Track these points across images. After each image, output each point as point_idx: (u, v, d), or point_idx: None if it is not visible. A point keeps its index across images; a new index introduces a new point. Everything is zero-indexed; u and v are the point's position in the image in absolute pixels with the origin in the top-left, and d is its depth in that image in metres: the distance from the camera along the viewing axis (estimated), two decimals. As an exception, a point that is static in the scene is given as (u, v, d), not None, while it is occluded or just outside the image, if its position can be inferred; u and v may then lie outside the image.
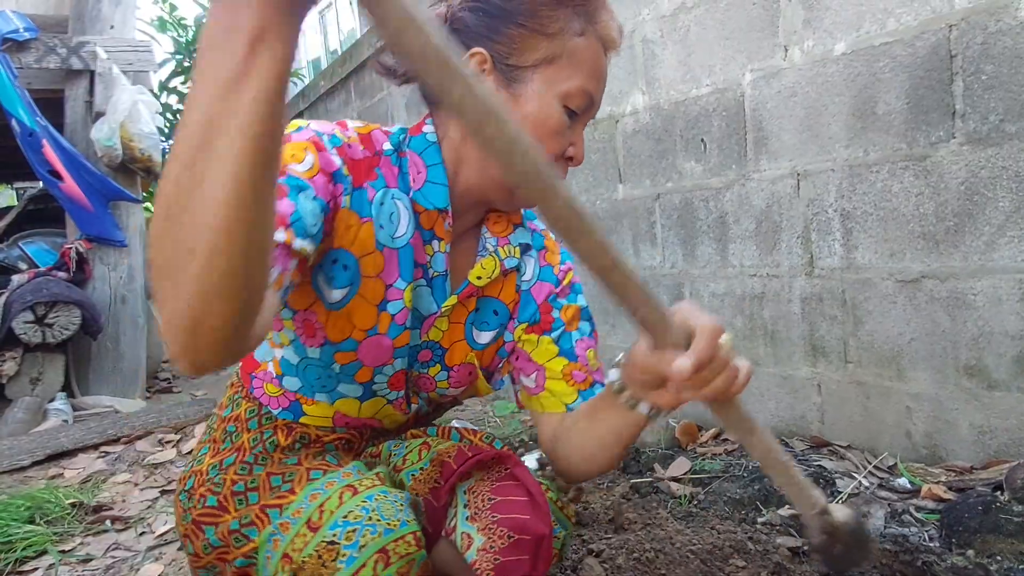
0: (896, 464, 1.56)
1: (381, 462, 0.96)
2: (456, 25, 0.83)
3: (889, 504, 1.39)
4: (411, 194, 0.83)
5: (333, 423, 0.92)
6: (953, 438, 1.51)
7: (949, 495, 1.38)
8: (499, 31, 0.79)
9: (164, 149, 3.38)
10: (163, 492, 2.32)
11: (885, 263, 1.58)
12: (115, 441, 2.73)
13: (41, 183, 6.78)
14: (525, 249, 0.95)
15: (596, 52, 0.82)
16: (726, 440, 1.93)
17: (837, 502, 1.44)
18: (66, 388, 2.98)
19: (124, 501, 2.26)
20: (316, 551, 0.73)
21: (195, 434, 2.82)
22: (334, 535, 0.73)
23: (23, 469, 2.55)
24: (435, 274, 0.87)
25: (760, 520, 1.44)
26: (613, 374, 0.76)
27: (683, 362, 0.61)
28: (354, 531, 0.72)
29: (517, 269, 0.95)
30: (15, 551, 1.84)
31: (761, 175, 1.83)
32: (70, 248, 2.96)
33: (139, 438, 2.75)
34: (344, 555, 0.72)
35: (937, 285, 1.50)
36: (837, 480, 1.51)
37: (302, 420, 0.91)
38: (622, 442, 0.81)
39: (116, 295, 3.15)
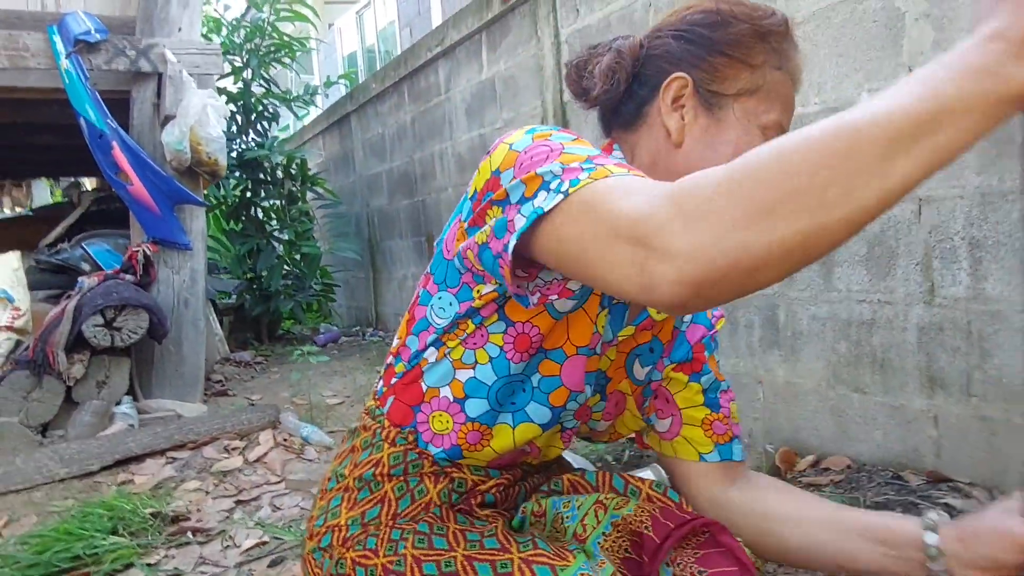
0: (1028, 505, 1.50)
1: (548, 522, 0.91)
2: (657, 50, 0.85)
3: (1035, 551, 1.33)
4: None
5: (488, 464, 0.88)
6: (1092, 481, 1.45)
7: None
8: (703, 59, 0.82)
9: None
10: (237, 502, 2.31)
11: (1020, 296, 1.52)
12: (181, 447, 2.72)
13: (80, 180, 6.81)
14: None
15: (790, 88, 0.85)
16: (827, 469, 1.87)
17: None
18: (130, 391, 2.98)
19: (200, 511, 2.24)
20: None
21: (259, 441, 2.81)
22: None
23: (92, 474, 2.55)
24: (617, 301, 0.85)
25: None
26: (931, 538, 0.74)
27: None
28: None
29: None
30: (103, 564, 1.83)
31: (876, 198, 1.77)
32: (137, 251, 2.95)
33: (205, 444, 2.74)
34: None
35: (1080, 321, 1.44)
36: (971, 521, 1.45)
37: (459, 462, 0.86)
38: (855, 573, 0.81)
39: (179, 298, 3.14)
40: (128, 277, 2.93)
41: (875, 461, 1.84)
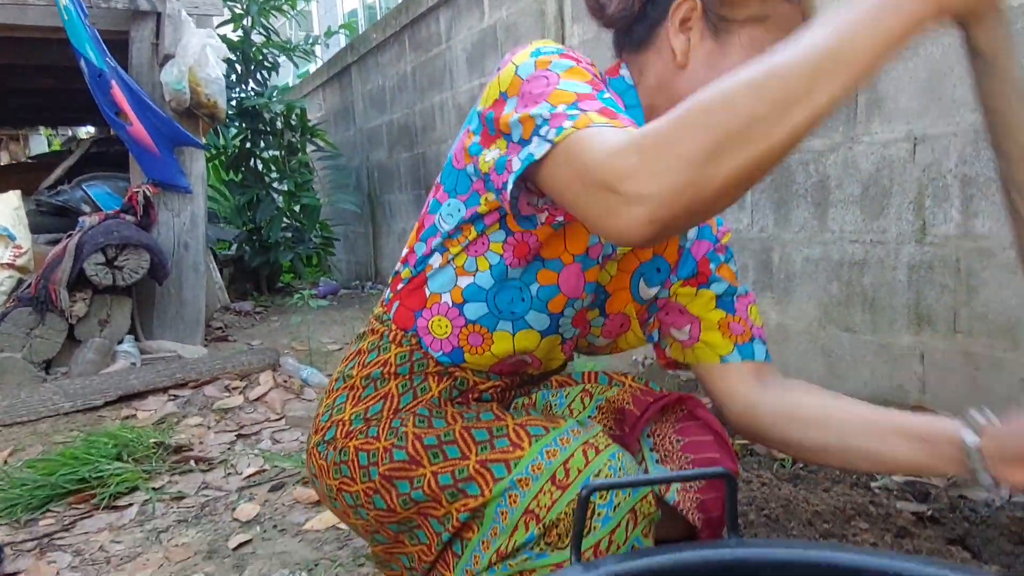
0: (1007, 435, 1.54)
1: (538, 412, 0.95)
2: None
3: (1010, 474, 1.38)
4: None
5: (490, 368, 0.91)
6: (1070, 411, 1.49)
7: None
8: None
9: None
10: (238, 436, 2.36)
11: (1008, 232, 1.54)
12: (183, 385, 2.77)
13: (83, 127, 6.76)
14: None
15: (799, 21, 0.84)
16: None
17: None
18: (131, 331, 3.01)
19: (202, 443, 2.29)
20: (569, 509, 0.73)
21: (260, 381, 2.85)
22: None
23: (96, 409, 2.60)
24: None
25: (874, 485, 1.44)
26: (970, 438, 0.72)
27: None
28: (607, 490, 0.73)
29: None
30: (108, 487, 1.88)
31: (872, 138, 1.78)
32: (137, 192, 2.96)
33: (207, 383, 2.79)
34: (600, 514, 0.73)
35: (1066, 256, 1.46)
36: (950, 448, 1.50)
37: (461, 365, 0.90)
38: (886, 470, 0.81)
39: (179, 241, 3.16)
40: (129, 218, 2.94)
41: (863, 398, 1.86)
